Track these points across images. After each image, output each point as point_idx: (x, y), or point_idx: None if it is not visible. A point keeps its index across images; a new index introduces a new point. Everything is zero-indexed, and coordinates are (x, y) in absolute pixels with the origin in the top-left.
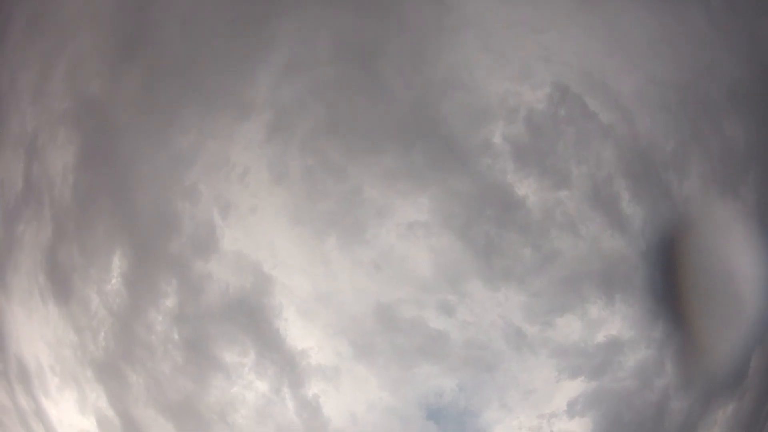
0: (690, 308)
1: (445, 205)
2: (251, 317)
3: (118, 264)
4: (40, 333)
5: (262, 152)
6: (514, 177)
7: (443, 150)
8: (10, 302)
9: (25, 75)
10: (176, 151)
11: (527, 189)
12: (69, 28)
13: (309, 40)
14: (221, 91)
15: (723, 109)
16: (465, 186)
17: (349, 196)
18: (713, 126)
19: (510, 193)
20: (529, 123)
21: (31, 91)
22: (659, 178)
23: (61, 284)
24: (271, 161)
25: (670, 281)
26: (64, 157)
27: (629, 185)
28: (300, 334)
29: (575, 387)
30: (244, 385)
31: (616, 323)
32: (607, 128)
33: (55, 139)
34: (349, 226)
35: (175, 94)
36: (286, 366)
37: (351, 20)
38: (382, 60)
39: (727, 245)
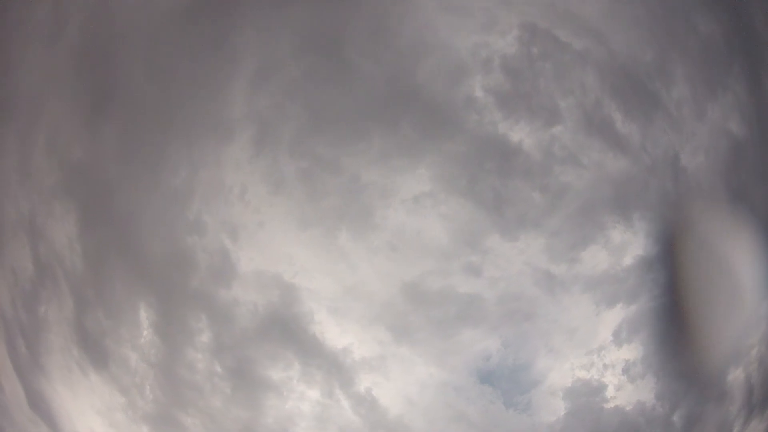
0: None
1: (444, 170)
2: (286, 329)
3: (145, 316)
4: (89, 404)
5: (253, 167)
6: (505, 125)
7: (429, 117)
8: (51, 383)
9: (5, 161)
10: (171, 189)
11: (521, 133)
12: (37, 104)
13: (270, 44)
14: (199, 120)
15: (693, 9)
16: (459, 146)
17: (349, 187)
18: (687, 27)
19: (505, 141)
20: (505, 69)
21: (16, 174)
22: (647, 90)
23: (95, 352)
24: (265, 174)
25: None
26: (66, 229)
27: (619, 105)
28: (337, 333)
29: (615, 315)
30: (297, 397)
31: (640, 242)
32: (583, 54)
33: (53, 213)
34: (357, 215)
35: (155, 136)
36: (332, 368)
37: (306, 15)
38: (346, 45)
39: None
